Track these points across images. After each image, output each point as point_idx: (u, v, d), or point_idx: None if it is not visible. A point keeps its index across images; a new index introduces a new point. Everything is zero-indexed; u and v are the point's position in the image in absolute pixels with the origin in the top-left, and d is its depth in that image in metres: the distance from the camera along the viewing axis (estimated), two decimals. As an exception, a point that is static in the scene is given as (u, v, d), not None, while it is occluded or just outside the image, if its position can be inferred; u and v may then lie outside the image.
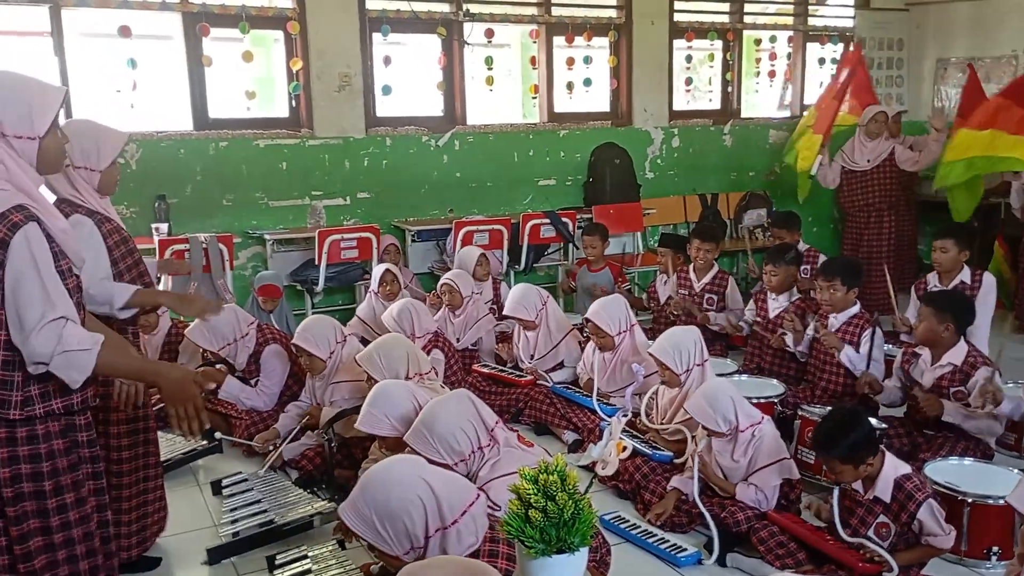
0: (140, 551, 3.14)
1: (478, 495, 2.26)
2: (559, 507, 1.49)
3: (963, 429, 3.66)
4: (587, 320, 4.48)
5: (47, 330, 2.03)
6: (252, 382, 4.43)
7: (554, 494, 1.50)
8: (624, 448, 3.75)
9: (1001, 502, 3.07)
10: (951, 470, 3.34)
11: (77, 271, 2.26)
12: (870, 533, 2.95)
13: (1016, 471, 3.32)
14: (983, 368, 3.66)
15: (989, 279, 4.77)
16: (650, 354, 3.96)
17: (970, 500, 3.12)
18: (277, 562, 3.13)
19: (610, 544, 3.05)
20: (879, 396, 4.00)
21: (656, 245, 6.07)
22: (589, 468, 3.87)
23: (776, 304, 4.90)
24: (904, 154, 6.50)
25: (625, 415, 4.00)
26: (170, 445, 4.05)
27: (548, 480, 1.52)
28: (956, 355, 3.76)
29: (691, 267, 5.43)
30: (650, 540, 3.33)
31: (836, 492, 3.03)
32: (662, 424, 3.92)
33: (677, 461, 3.68)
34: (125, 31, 5.37)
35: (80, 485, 2.20)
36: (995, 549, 3.11)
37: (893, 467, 2.98)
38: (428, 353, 4.39)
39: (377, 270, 5.24)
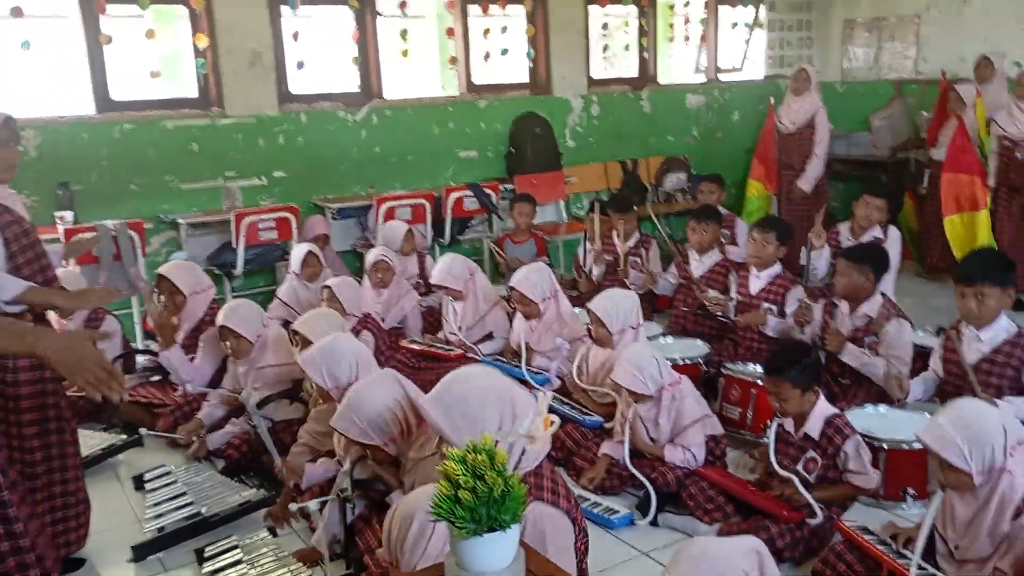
0: (66, 553, 3.00)
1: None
2: (488, 486, 1.47)
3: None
4: (511, 288, 4.49)
5: None
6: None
7: (483, 473, 1.48)
8: (552, 423, 3.75)
9: (916, 446, 3.19)
10: (867, 417, 3.46)
11: None
12: (799, 467, 3.06)
13: (926, 415, 3.45)
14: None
15: (894, 232, 5.00)
16: (587, 308, 3.99)
17: (885, 446, 3.24)
18: (206, 554, 3.06)
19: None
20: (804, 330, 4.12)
21: (587, 212, 6.07)
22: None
23: (699, 265, 4.97)
24: (823, 127, 6.57)
25: (552, 388, 4.01)
26: (88, 441, 3.90)
27: (476, 460, 1.50)
28: (871, 307, 3.90)
29: (614, 233, 5.49)
30: (583, 505, 3.36)
31: (774, 425, 3.17)
32: (592, 386, 3.96)
33: (607, 426, 3.72)
34: (17, 12, 5.08)
35: None
36: (910, 491, 3.25)
37: (823, 407, 3.13)
38: (358, 335, 4.34)
39: (298, 251, 5.11)
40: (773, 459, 3.11)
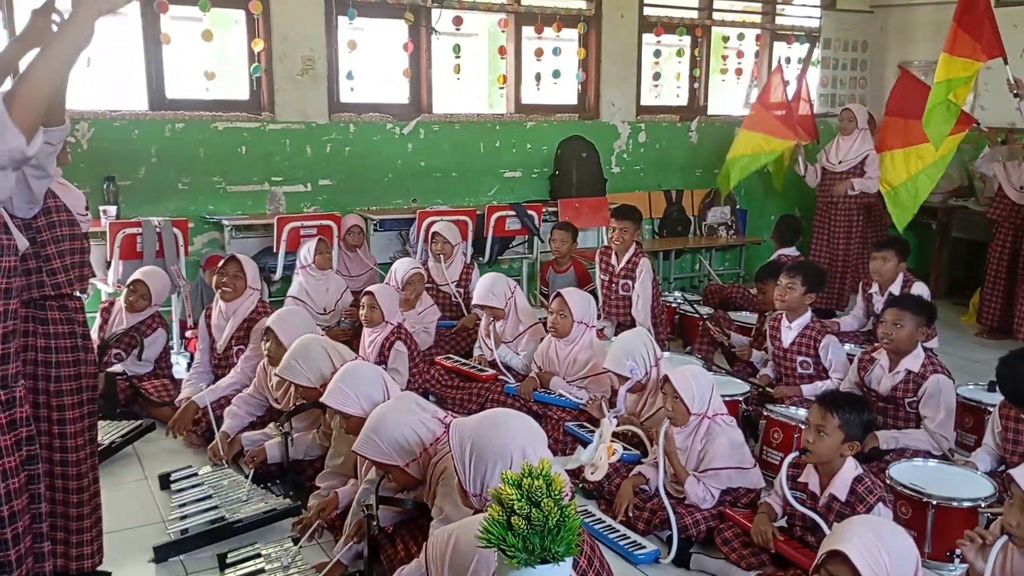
0: (91, 564, 2.76)
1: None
2: (544, 514, 1.39)
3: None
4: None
5: None
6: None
7: (539, 500, 1.40)
8: (614, 452, 3.64)
9: (965, 504, 3.07)
10: (914, 471, 3.33)
11: None
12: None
13: (979, 473, 3.32)
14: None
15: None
16: (605, 367, 3.89)
17: (934, 502, 3.10)
18: (228, 560, 3.01)
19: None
20: None
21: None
22: (574, 472, 3.73)
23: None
24: (872, 170, 6.45)
25: (617, 415, 3.89)
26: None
27: (532, 485, 1.42)
28: (913, 362, 3.74)
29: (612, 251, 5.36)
30: (611, 536, 3.27)
31: (789, 458, 3.03)
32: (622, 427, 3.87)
33: (644, 461, 3.62)
34: (78, 5, 5.15)
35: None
36: (958, 552, 3.10)
37: (851, 467, 2.95)
38: (391, 345, 4.31)
39: (310, 241, 5.21)
40: (788, 494, 2.97)
